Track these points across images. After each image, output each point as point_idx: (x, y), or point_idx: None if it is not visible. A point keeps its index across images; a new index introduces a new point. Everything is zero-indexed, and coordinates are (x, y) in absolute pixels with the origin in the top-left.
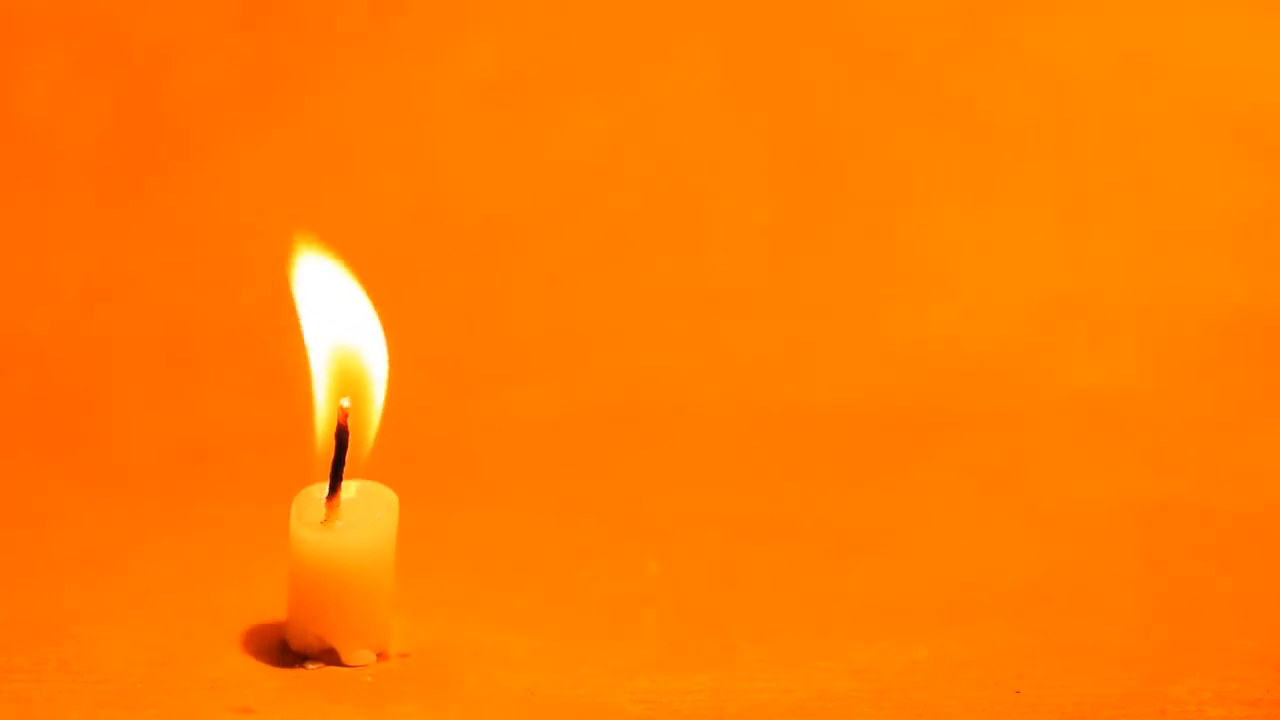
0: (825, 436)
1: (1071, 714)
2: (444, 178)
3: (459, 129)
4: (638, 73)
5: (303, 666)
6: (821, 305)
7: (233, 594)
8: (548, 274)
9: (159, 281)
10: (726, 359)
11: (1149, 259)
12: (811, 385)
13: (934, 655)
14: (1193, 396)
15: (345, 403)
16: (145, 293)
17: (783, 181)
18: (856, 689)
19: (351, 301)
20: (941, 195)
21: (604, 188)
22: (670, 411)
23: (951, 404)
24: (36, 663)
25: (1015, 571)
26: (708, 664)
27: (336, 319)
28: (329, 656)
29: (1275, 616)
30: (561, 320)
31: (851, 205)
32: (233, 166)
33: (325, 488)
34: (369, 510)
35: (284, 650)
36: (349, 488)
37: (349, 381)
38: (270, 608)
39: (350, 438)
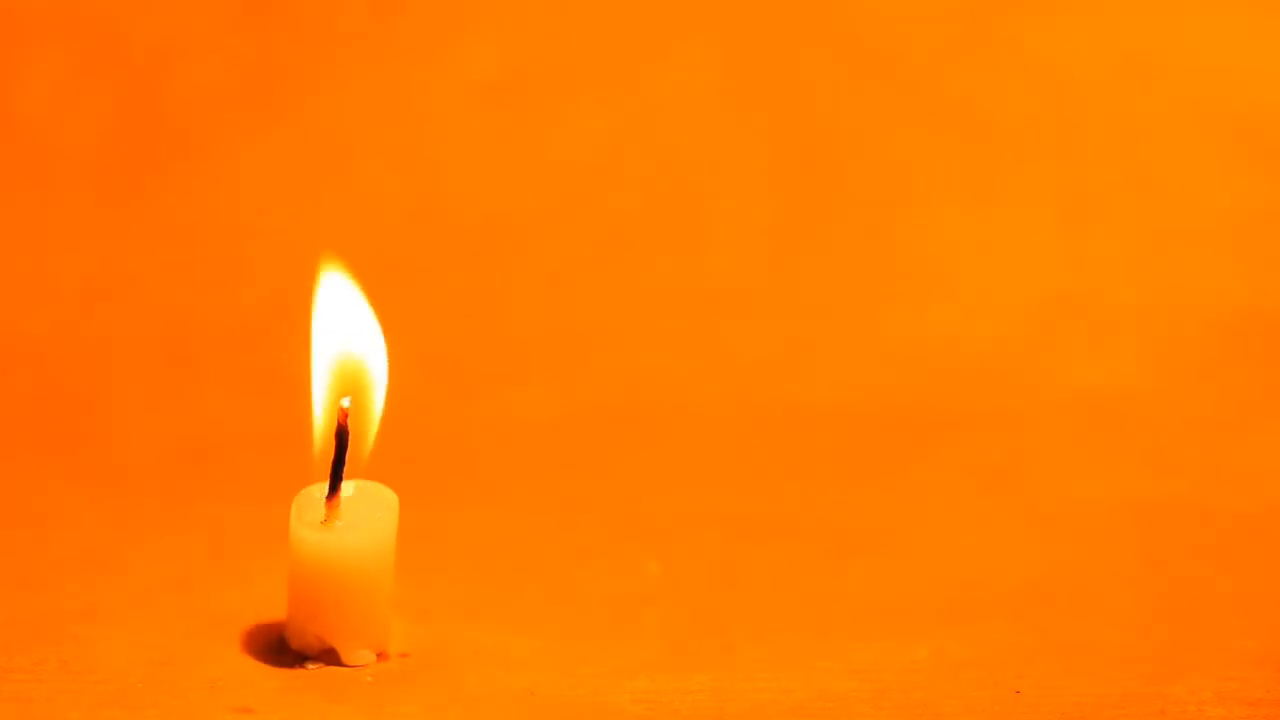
0: (825, 436)
1: (1071, 714)
2: (444, 178)
3: (459, 129)
4: (638, 73)
5: (303, 666)
6: (821, 305)
7: (233, 594)
8: (548, 274)
9: (159, 281)
10: (726, 359)
11: (1149, 259)
12: (811, 385)
13: (934, 655)
14: (1193, 396)
15: (345, 402)
16: (145, 293)
17: (783, 181)
18: (856, 689)
19: (351, 302)
20: (941, 195)
21: (604, 188)
22: (670, 411)
23: (951, 404)
24: (36, 663)
25: (1015, 571)
26: (708, 664)
27: (337, 319)
28: (329, 656)
29: (1275, 616)
30: (561, 320)
31: (851, 205)
32: (233, 166)
33: (325, 488)
34: (369, 510)
35: (284, 650)
36: (349, 488)
37: (349, 381)
38: (270, 608)
39: (350, 437)
